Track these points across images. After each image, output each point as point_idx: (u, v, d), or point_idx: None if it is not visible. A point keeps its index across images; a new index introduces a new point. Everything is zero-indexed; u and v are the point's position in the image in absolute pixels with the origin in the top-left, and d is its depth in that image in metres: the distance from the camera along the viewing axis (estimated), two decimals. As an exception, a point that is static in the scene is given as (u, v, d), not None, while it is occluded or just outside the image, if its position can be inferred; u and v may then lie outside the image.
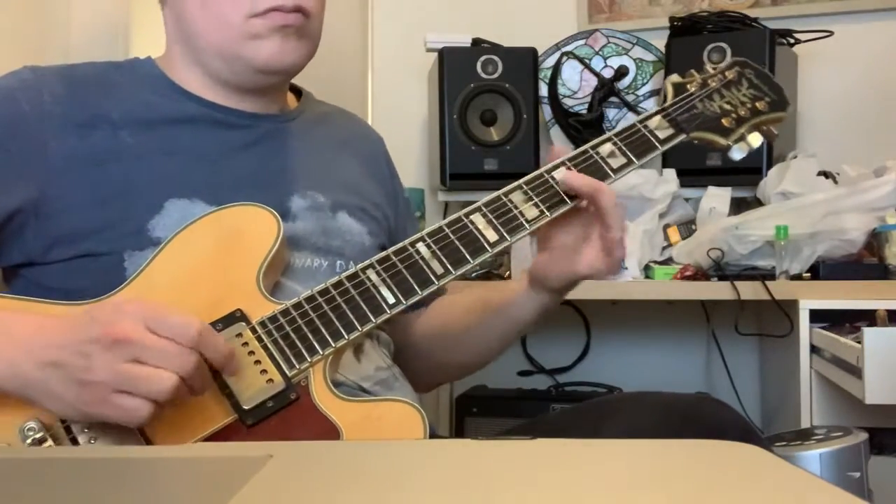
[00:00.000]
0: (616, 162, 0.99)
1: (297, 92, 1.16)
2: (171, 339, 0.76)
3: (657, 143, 1.01)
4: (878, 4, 2.05)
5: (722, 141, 1.05)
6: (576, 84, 2.11)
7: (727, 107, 1.06)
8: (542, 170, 0.97)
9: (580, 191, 0.94)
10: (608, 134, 1.01)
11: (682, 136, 1.03)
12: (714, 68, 1.10)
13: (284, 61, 1.00)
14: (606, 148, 0.99)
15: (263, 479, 0.50)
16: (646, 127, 1.02)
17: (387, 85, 2.31)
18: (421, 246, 0.91)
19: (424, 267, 0.90)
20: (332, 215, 1.03)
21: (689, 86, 1.07)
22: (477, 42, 2.00)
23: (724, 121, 1.05)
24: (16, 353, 0.78)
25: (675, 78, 1.09)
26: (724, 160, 1.85)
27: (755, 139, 1.07)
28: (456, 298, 1.14)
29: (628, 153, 0.99)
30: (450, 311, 1.13)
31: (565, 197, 0.96)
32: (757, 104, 1.07)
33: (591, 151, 0.99)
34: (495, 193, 0.96)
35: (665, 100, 1.06)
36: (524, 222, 0.94)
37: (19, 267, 0.96)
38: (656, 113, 1.04)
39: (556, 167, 0.97)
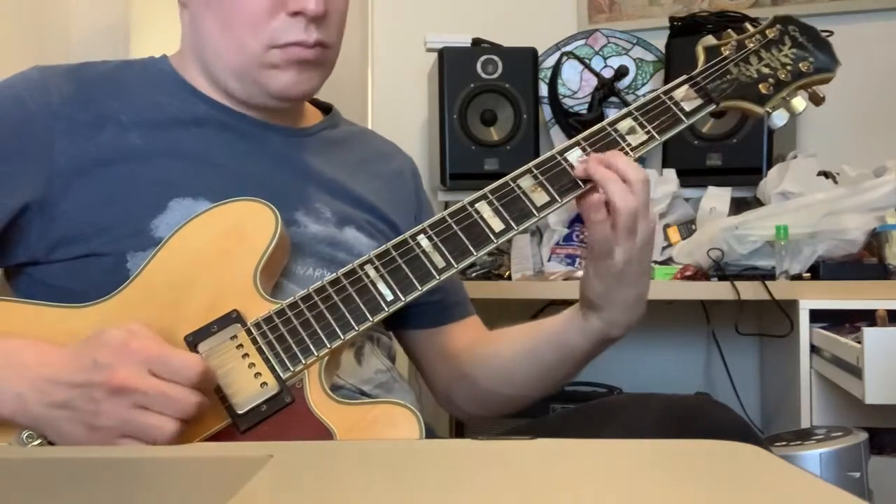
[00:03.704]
0: (636, 139, 0.91)
1: (327, 109, 1.15)
2: (173, 381, 0.77)
3: (683, 117, 0.93)
4: (878, 4, 2.05)
5: (757, 109, 0.96)
6: (576, 84, 2.11)
7: (766, 70, 0.96)
8: (553, 151, 0.91)
9: (593, 178, 0.88)
10: (629, 108, 0.94)
11: (712, 107, 0.94)
12: (754, 27, 1.00)
13: (299, 91, 1.00)
14: (626, 124, 0.92)
15: (263, 479, 0.50)
16: (670, 98, 0.94)
17: (387, 85, 2.30)
18: (422, 238, 0.88)
19: (425, 261, 0.87)
20: (339, 230, 1.01)
21: (723, 49, 0.97)
22: (477, 42, 1.99)
23: (761, 86, 0.96)
24: (26, 389, 0.79)
25: (708, 40, 0.98)
26: (725, 160, 1.87)
27: (799, 103, 0.97)
28: (510, 328, 1.08)
29: (650, 129, 0.92)
30: (501, 337, 1.08)
31: (578, 180, 0.89)
32: (800, 65, 0.97)
33: (609, 128, 0.92)
34: (504, 179, 0.90)
35: (696, 67, 0.97)
36: (533, 209, 0.89)
37: (23, 265, 0.96)
38: (683, 82, 0.95)
39: (569, 148, 0.91)
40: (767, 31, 0.99)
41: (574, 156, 0.91)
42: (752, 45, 0.98)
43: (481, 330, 1.14)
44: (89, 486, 0.54)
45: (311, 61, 0.97)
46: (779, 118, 0.98)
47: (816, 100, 1.00)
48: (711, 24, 1.93)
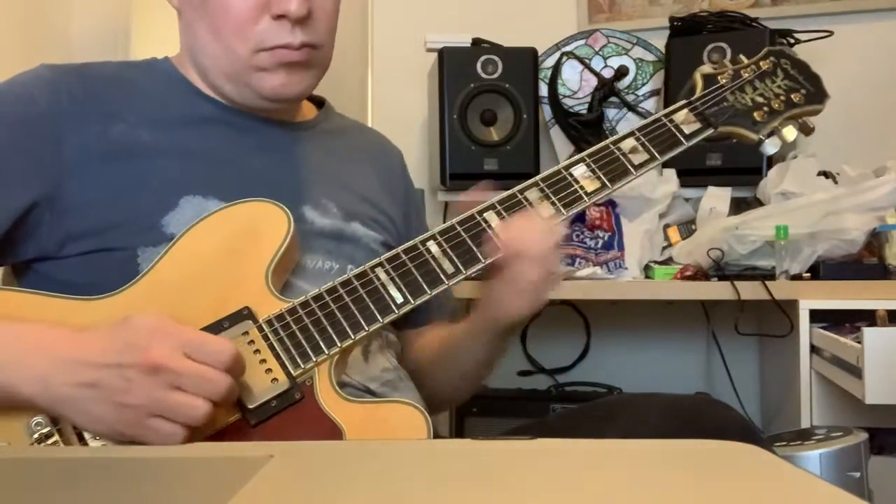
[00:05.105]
0: (638, 158, 0.96)
1: (320, 102, 1.16)
2: (206, 364, 0.77)
3: (682, 139, 0.98)
4: (878, 4, 2.05)
5: (752, 135, 1.01)
6: (576, 84, 2.11)
7: (760, 99, 1.02)
8: (559, 166, 0.96)
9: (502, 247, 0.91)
10: (632, 129, 0.98)
11: (710, 131, 1.00)
12: (748, 58, 1.05)
13: (291, 92, 1.01)
14: (629, 143, 0.97)
15: (263, 479, 0.50)
16: (671, 121, 0.99)
17: (387, 85, 2.30)
18: (432, 244, 0.90)
19: (434, 266, 0.89)
20: (345, 223, 1.03)
21: (719, 77, 1.03)
22: (477, 42, 1.99)
23: (755, 114, 1.01)
24: (48, 369, 0.79)
25: (705, 69, 1.04)
26: (725, 160, 1.86)
27: (790, 133, 1.03)
28: (438, 331, 1.13)
29: (652, 149, 0.97)
30: (429, 343, 1.12)
31: (582, 194, 0.94)
32: (792, 96, 1.03)
33: (613, 147, 0.96)
34: (511, 190, 0.94)
35: (694, 92, 1.02)
36: None
37: (32, 262, 0.97)
38: (683, 106, 1.00)
39: (574, 163, 0.95)
40: (761, 63, 1.04)
41: (579, 171, 0.95)
42: (747, 74, 1.03)
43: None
44: (89, 486, 0.54)
45: (299, 63, 0.98)
46: (771, 146, 1.03)
47: (806, 130, 1.05)
48: (711, 24, 1.93)
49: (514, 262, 0.91)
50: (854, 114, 2.00)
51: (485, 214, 0.92)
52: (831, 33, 1.91)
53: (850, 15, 2.05)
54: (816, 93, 1.04)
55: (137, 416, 0.77)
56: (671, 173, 1.84)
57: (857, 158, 1.83)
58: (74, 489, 0.53)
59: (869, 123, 2.02)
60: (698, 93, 1.01)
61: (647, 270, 1.80)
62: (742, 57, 1.05)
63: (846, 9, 2.05)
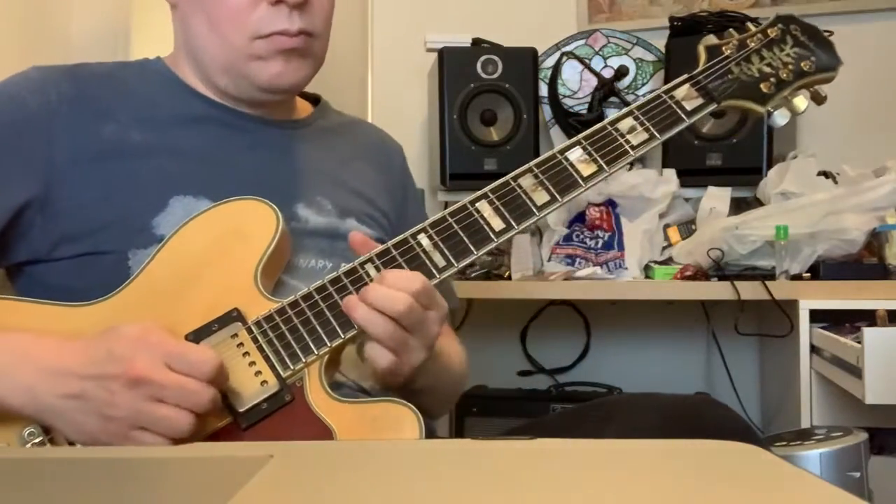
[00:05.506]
0: (637, 138, 0.92)
1: (315, 100, 1.16)
2: (189, 375, 0.77)
3: (684, 116, 0.93)
4: (878, 4, 2.05)
5: (758, 108, 0.96)
6: (576, 84, 2.11)
7: (767, 69, 0.96)
8: (554, 150, 0.92)
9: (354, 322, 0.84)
10: (630, 107, 0.94)
11: (713, 106, 0.94)
12: (755, 26, 1.00)
13: (288, 82, 1.00)
14: (627, 123, 0.92)
15: (263, 479, 0.50)
16: (671, 98, 0.94)
17: (387, 85, 2.30)
18: (423, 237, 0.88)
19: (425, 260, 0.87)
20: (340, 220, 1.02)
21: (724, 48, 0.98)
22: (477, 42, 1.99)
23: (762, 85, 0.96)
24: (35, 380, 0.80)
25: (710, 39, 0.99)
26: (725, 160, 1.87)
27: (801, 102, 0.98)
28: None
29: (651, 128, 0.92)
30: None
31: (579, 179, 0.90)
32: (802, 64, 0.97)
33: (610, 128, 0.92)
34: (504, 178, 0.91)
35: (698, 66, 0.97)
36: (533, 209, 0.89)
37: (24, 265, 0.97)
38: (684, 81, 0.96)
39: (569, 147, 0.92)
40: (769, 31, 0.99)
41: (575, 155, 0.91)
42: (753, 44, 0.98)
43: None
44: (89, 487, 0.54)
45: (296, 50, 0.98)
46: (780, 117, 0.98)
47: (818, 99, 1.00)
48: (711, 23, 1.93)
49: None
50: (854, 114, 2.00)
51: (477, 204, 0.89)
52: (831, 33, 1.90)
53: (850, 15, 2.05)
54: (829, 59, 0.99)
55: (121, 427, 0.77)
56: (671, 173, 1.84)
57: (857, 158, 1.82)
58: (74, 489, 0.53)
59: (869, 123, 2.02)
60: (701, 65, 0.97)
61: (647, 270, 1.80)
62: (750, 25, 1.00)
63: (846, 9, 2.05)
